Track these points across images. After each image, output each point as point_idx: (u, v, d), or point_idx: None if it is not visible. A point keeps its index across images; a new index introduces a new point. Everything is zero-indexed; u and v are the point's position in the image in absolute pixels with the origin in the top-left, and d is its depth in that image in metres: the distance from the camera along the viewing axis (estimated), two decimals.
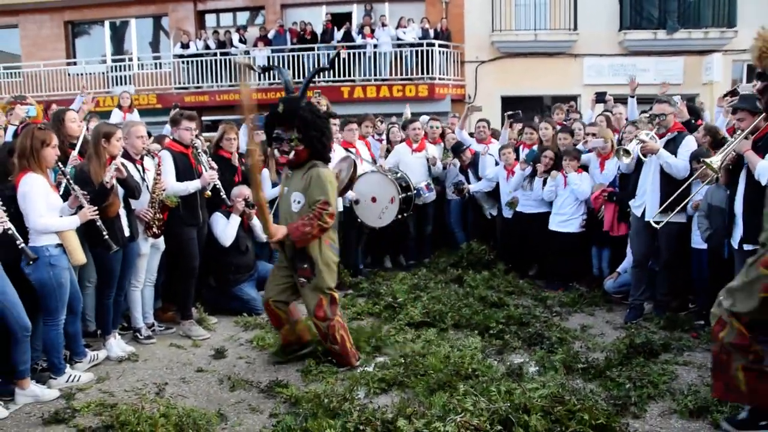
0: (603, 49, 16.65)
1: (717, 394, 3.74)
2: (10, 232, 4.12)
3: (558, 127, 7.90)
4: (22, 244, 4.19)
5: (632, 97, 8.92)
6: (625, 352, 4.91)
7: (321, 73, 16.12)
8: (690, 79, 16.11)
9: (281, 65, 16.80)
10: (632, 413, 3.95)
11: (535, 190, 7.33)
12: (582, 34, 16.53)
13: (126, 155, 5.41)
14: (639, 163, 5.99)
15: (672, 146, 5.76)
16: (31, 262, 4.22)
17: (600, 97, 10.09)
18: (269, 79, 17.10)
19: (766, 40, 3.42)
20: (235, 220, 6.33)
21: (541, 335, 5.38)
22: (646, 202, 5.87)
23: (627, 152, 6.00)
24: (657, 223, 5.67)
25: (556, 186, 7.09)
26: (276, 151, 4.77)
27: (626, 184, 6.48)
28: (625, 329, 5.68)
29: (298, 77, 16.77)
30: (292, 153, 4.71)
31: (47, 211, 4.40)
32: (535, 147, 7.71)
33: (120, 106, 11.06)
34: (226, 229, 6.27)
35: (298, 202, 4.73)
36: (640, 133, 5.94)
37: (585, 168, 7.22)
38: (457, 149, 8.43)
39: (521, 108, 10.69)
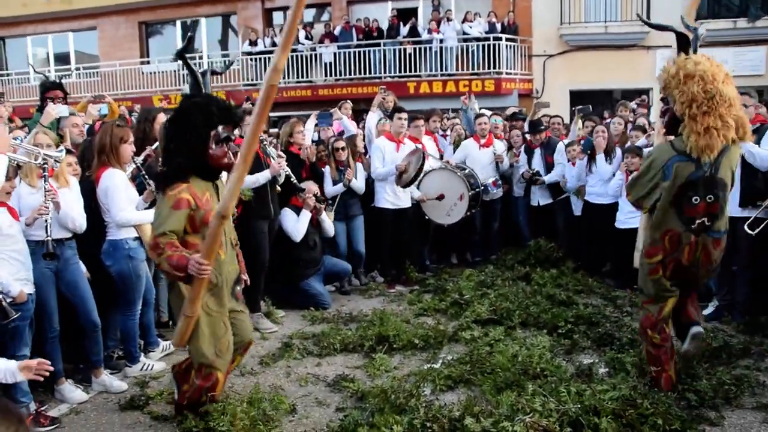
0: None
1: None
2: (47, 224, 3.99)
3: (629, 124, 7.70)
4: (50, 238, 4.01)
5: None
6: (701, 356, 4.72)
7: (378, 69, 16.16)
8: None
9: (347, 61, 16.95)
10: (709, 420, 3.79)
11: (599, 168, 7.18)
12: None
13: None
14: None
15: (755, 138, 5.50)
16: (46, 259, 4.06)
17: None
18: (335, 74, 17.25)
19: (669, 75, 3.88)
20: (306, 215, 6.41)
21: (611, 335, 5.24)
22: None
23: None
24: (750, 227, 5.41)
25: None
26: (229, 154, 3.69)
27: None
28: None
29: (364, 73, 16.88)
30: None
31: (128, 204, 4.56)
32: (590, 138, 7.52)
33: None
34: (297, 224, 6.36)
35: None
36: None
37: None
38: (536, 127, 8.32)
39: (590, 103, 10.43)
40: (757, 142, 5.47)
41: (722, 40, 15.73)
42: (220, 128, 3.66)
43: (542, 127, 8.34)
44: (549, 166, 8.07)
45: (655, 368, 4.11)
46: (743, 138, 3.91)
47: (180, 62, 3.92)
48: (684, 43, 4.12)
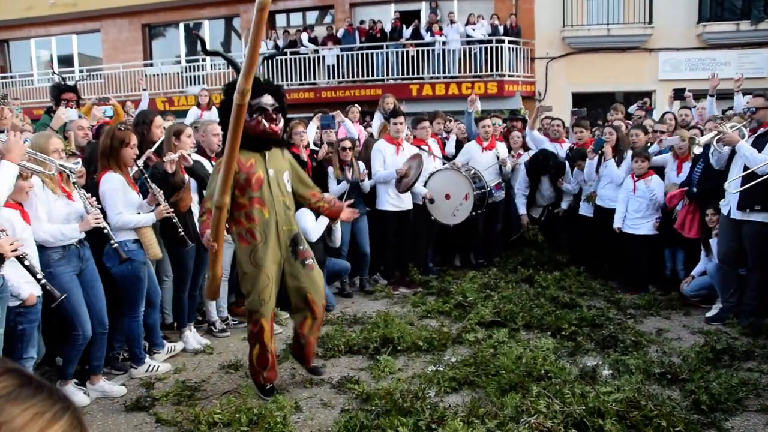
0: (680, 42, 16.04)
1: None
2: (105, 231, 4.29)
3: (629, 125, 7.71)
4: (116, 244, 4.35)
5: (711, 96, 8.38)
6: (704, 358, 4.73)
7: (381, 71, 16.16)
8: None
9: (350, 64, 16.99)
10: (713, 422, 3.79)
11: (609, 169, 7.16)
12: (657, 28, 15.98)
13: (202, 153, 5.59)
14: (730, 162, 5.79)
15: (762, 141, 5.51)
16: (122, 262, 4.38)
17: (678, 94, 9.69)
18: (338, 77, 17.29)
19: None
20: (324, 220, 6.39)
21: (614, 338, 5.25)
22: (731, 199, 5.66)
23: (698, 144, 5.88)
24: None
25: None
26: (263, 121, 4.15)
27: (707, 183, 6.23)
28: (703, 334, 5.47)
29: (367, 76, 16.91)
30: (281, 123, 4.30)
31: (125, 208, 4.59)
32: (602, 137, 7.47)
33: (198, 104, 11.31)
34: (315, 225, 6.33)
35: (288, 181, 4.39)
36: (724, 125, 5.73)
37: (658, 170, 6.97)
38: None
39: (592, 106, 10.45)
40: (764, 144, 5.47)
41: (725, 43, 15.77)
42: (256, 101, 4.08)
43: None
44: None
45: None
46: None
47: (209, 57, 4.19)
48: None
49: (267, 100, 4.18)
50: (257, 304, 4.20)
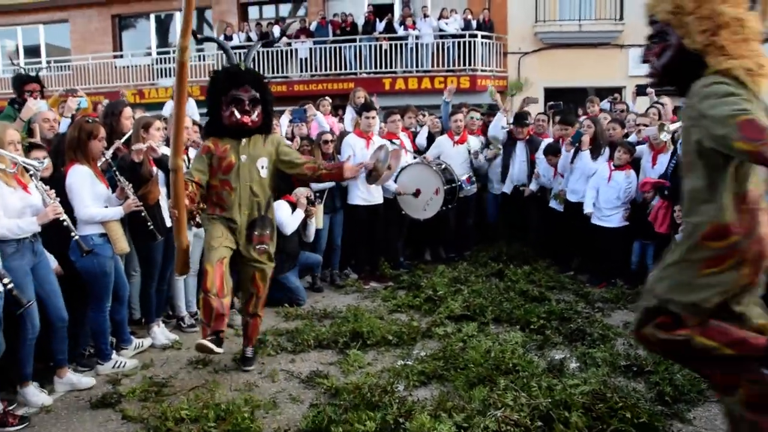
0: None
1: None
2: (65, 223, 4.22)
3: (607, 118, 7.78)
4: (77, 236, 4.30)
5: None
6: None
7: (354, 65, 16.10)
8: None
9: (323, 57, 16.93)
10: (676, 413, 3.86)
11: (584, 162, 7.23)
12: (628, 24, 16.16)
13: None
14: None
15: None
16: (84, 255, 4.32)
17: (641, 90, 9.85)
18: (311, 70, 17.21)
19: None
20: (300, 213, 6.37)
21: (582, 331, 5.31)
22: None
23: (668, 130, 6.02)
24: None
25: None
26: (235, 113, 4.43)
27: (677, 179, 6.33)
28: None
29: (340, 69, 16.86)
30: (255, 114, 4.52)
31: (92, 201, 4.52)
32: (580, 130, 7.53)
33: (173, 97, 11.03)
34: (291, 219, 6.30)
35: (264, 167, 4.60)
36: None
37: (634, 162, 7.05)
38: (520, 119, 8.24)
39: (565, 100, 10.54)
40: None
41: None
42: (231, 92, 4.43)
43: (526, 122, 8.30)
44: (532, 164, 8.13)
45: None
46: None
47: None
48: None
49: (244, 91, 4.46)
50: (207, 253, 4.46)
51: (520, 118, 8.30)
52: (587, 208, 7.04)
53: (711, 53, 2.56)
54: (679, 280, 2.55)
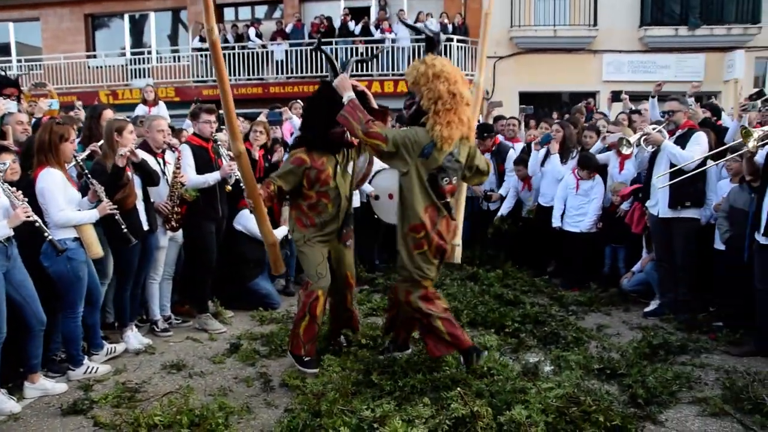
0: (623, 45, 16.51)
1: (433, 353, 4.42)
2: (37, 224, 4.16)
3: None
4: (50, 236, 4.25)
5: (653, 97, 8.66)
6: (642, 353, 4.88)
7: (320, 68, 16.09)
8: (711, 77, 15.91)
9: (299, 59, 16.89)
10: (648, 415, 3.91)
11: (554, 166, 7.31)
12: (602, 30, 16.39)
13: (147, 149, 5.47)
14: (652, 164, 6.02)
15: (681, 142, 5.82)
16: (59, 254, 4.26)
17: (616, 96, 10.00)
18: (287, 72, 17.16)
19: (419, 72, 4.16)
20: (284, 229, 6.33)
21: (556, 334, 5.36)
22: (659, 199, 5.88)
23: (628, 143, 6.12)
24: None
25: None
26: (347, 133, 4.57)
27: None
28: (641, 330, 5.64)
29: (316, 71, 16.81)
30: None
31: (66, 204, 4.45)
32: (550, 133, 7.62)
33: (145, 101, 10.67)
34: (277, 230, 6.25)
35: (352, 170, 4.87)
36: (647, 126, 6.03)
37: (602, 169, 7.14)
38: (484, 132, 8.02)
39: (539, 105, 10.64)
40: (684, 145, 5.74)
41: (665, 47, 16.28)
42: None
43: (488, 134, 8.17)
44: (500, 175, 8.15)
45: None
46: (469, 137, 4.37)
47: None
48: (431, 45, 4.52)
49: None
50: (314, 278, 4.56)
51: (482, 131, 8.01)
52: (555, 222, 7.15)
53: (432, 115, 4.11)
54: None
